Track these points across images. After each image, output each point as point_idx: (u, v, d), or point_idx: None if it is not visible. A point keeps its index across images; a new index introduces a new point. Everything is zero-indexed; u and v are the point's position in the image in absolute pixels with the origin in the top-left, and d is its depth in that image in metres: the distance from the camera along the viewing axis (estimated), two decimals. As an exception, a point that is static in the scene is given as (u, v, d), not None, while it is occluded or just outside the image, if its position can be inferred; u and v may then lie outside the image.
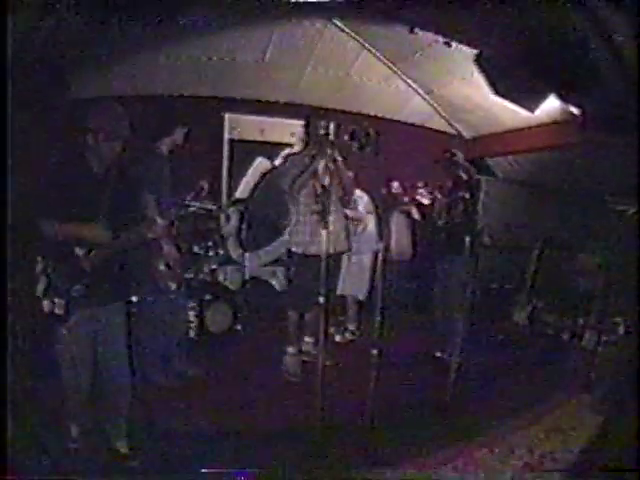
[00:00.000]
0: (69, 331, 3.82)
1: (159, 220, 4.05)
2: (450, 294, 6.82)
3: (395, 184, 7.99)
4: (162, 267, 5.33)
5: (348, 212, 6.48)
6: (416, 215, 8.15)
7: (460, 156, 6.75)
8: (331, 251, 5.40)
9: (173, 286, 5.48)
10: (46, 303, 3.70)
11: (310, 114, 6.34)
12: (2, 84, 3.09)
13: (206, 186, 6.11)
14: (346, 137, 5.52)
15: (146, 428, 4.62)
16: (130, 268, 5.58)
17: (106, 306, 4.01)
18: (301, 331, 6.35)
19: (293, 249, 6.12)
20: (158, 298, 5.52)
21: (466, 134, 9.72)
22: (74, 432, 4.17)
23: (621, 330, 5.99)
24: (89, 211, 3.80)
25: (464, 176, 6.69)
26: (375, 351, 4.95)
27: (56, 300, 3.70)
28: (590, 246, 7.38)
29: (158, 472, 4.11)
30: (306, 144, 6.10)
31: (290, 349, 6.25)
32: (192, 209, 5.46)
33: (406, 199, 8.06)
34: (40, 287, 3.71)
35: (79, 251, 3.79)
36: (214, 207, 6.43)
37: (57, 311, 3.72)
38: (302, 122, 6.28)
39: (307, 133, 6.10)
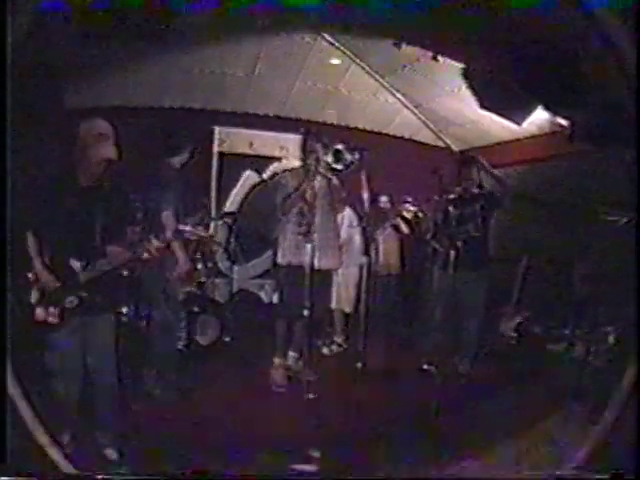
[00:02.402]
0: (61, 340, 3.85)
1: (154, 241, 4.04)
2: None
3: (383, 198, 8.02)
4: (174, 278, 5.37)
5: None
6: (405, 230, 8.20)
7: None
8: (319, 267, 5.49)
9: (181, 297, 5.50)
10: (39, 311, 3.72)
11: (306, 130, 6.36)
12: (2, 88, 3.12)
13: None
14: (330, 158, 5.55)
15: (135, 436, 4.62)
16: (139, 278, 5.71)
17: (97, 316, 4.03)
18: (287, 344, 6.36)
19: (279, 261, 6.14)
20: (161, 309, 5.55)
21: (455, 147, 9.77)
22: (65, 439, 4.19)
23: (611, 339, 6.01)
24: (76, 225, 3.84)
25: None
26: (360, 364, 4.98)
27: (50, 309, 3.73)
28: (580, 257, 7.41)
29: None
30: (301, 160, 6.11)
31: (276, 360, 6.25)
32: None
33: (394, 214, 8.11)
34: (34, 295, 3.74)
35: (75, 264, 3.82)
36: (205, 234, 6.41)
37: (50, 320, 3.74)
38: (296, 136, 6.32)
39: (303, 149, 6.11)
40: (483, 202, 6.58)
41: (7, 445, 3.13)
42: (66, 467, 3.33)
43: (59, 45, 4.02)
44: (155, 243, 4.00)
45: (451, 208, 6.76)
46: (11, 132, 2.94)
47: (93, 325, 4.04)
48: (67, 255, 3.83)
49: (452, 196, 6.80)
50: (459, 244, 6.36)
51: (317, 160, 5.70)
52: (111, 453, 4.29)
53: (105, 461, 4.26)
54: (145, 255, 3.99)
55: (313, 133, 6.10)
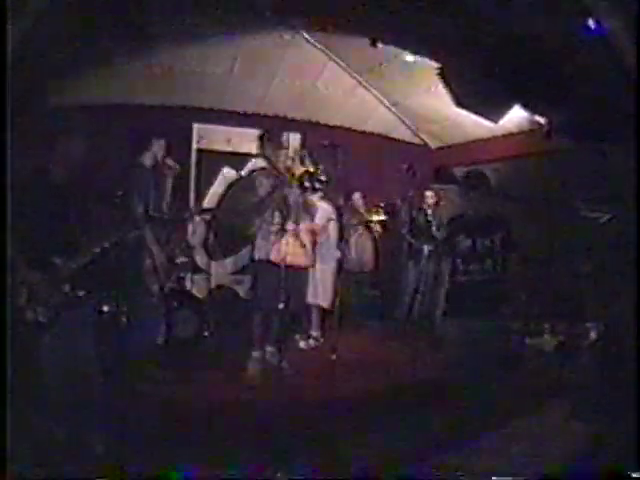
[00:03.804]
0: (51, 338, 3.91)
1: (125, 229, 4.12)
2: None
3: (356, 196, 8.09)
4: (149, 271, 5.42)
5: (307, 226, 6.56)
6: (377, 229, 8.31)
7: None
8: (292, 263, 5.59)
9: (156, 289, 5.54)
10: (29, 312, 3.78)
11: (267, 129, 6.46)
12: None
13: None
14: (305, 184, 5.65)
15: (120, 429, 4.66)
16: (116, 273, 5.76)
17: (79, 311, 4.09)
18: (265, 339, 6.44)
19: (256, 257, 6.23)
20: (140, 303, 5.61)
21: (432, 144, 9.85)
22: (60, 437, 4.25)
23: (593, 335, 6.08)
24: (49, 222, 3.89)
25: None
26: (334, 357, 5.04)
27: (38, 309, 3.78)
28: (561, 253, 7.46)
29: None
30: (266, 158, 6.20)
31: (255, 354, 6.35)
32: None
33: (367, 214, 8.21)
34: (23, 297, 3.79)
35: (57, 260, 3.88)
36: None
37: (41, 319, 3.80)
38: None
39: (261, 147, 6.20)
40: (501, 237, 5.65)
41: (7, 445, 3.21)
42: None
43: (40, 42, 4.06)
44: (126, 231, 4.08)
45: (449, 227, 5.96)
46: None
47: (74, 320, 4.12)
48: (48, 252, 3.89)
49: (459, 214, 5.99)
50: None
51: (293, 163, 5.82)
52: (98, 448, 4.36)
53: (91, 456, 4.33)
54: (116, 240, 4.08)
55: (271, 133, 6.22)
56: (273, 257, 5.84)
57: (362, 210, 8.16)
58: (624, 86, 3.86)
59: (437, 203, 8.05)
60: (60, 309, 3.89)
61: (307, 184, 5.73)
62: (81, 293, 4.01)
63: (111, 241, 4.05)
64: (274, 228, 5.82)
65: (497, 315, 7.56)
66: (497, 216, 7.98)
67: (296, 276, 6.05)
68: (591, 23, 3.93)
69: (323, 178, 5.70)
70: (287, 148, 5.72)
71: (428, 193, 8.16)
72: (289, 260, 5.50)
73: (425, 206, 8.15)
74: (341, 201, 7.67)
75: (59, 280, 3.89)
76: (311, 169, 5.67)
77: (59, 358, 4.04)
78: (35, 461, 3.69)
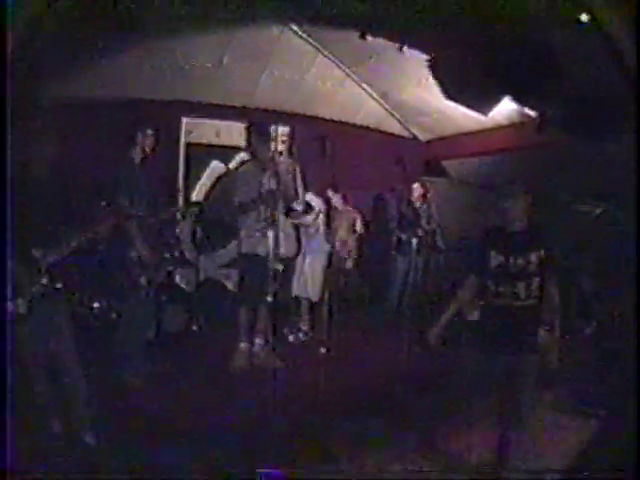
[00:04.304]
0: (29, 329, 3.92)
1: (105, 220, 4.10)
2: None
3: (335, 199, 8.05)
4: (135, 265, 5.39)
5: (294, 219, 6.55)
6: (358, 226, 8.32)
7: None
8: (281, 255, 5.58)
9: (144, 283, 5.51)
10: (9, 304, 3.76)
11: (253, 120, 6.46)
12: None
13: None
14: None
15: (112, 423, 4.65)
16: (105, 268, 5.74)
17: (58, 302, 4.10)
18: (253, 332, 6.44)
19: (243, 250, 6.26)
20: (128, 297, 5.59)
21: (422, 137, 9.84)
22: (56, 428, 4.26)
23: (588, 331, 6.07)
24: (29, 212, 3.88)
25: None
26: (324, 350, 5.03)
27: (19, 300, 3.77)
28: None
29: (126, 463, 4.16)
30: (251, 152, 6.23)
31: (242, 345, 6.38)
32: None
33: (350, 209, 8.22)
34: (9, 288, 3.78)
35: (36, 252, 3.87)
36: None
37: (21, 311, 3.79)
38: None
39: (248, 139, 6.21)
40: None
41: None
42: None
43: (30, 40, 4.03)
44: (106, 221, 4.06)
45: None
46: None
47: (54, 311, 4.12)
48: (29, 245, 3.87)
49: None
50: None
51: (276, 152, 5.80)
52: (88, 438, 4.36)
53: (83, 446, 4.33)
54: (98, 233, 4.06)
55: (258, 124, 6.22)
56: (260, 250, 5.85)
57: (344, 212, 8.13)
58: (618, 81, 3.86)
59: (425, 195, 8.08)
60: (39, 301, 3.89)
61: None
62: (59, 286, 4.02)
63: (92, 235, 4.05)
64: (260, 222, 5.82)
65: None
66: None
67: (288, 267, 6.08)
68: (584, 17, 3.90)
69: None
70: (275, 140, 5.63)
71: (415, 185, 8.18)
72: (281, 251, 5.51)
73: (413, 199, 8.18)
74: (330, 194, 7.69)
75: (38, 272, 3.88)
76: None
77: (37, 350, 4.07)
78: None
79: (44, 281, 3.90)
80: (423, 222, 7.53)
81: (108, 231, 4.14)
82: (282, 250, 5.86)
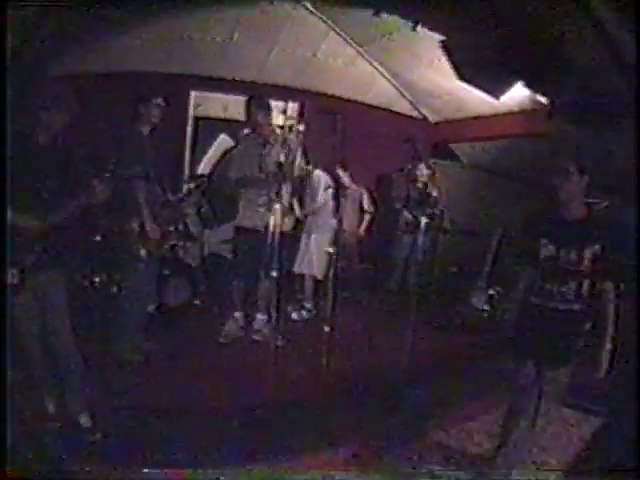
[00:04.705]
0: (23, 301, 3.87)
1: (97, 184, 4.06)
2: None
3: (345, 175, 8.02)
4: (137, 236, 5.37)
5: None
6: (366, 204, 8.32)
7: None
8: (281, 229, 5.60)
9: (143, 255, 5.49)
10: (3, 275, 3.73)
11: (253, 93, 6.45)
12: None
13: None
14: None
15: (107, 402, 4.62)
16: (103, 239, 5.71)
17: (50, 274, 4.06)
18: (255, 307, 6.51)
19: (240, 224, 6.40)
20: (129, 270, 5.57)
21: (432, 118, 9.78)
22: (51, 408, 4.24)
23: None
24: (33, 181, 3.86)
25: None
26: (327, 328, 4.99)
27: (11, 271, 3.73)
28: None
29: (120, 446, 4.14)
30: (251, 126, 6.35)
31: (237, 314, 6.51)
32: None
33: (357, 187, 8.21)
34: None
35: (30, 219, 3.83)
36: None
37: (14, 281, 3.74)
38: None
39: (247, 112, 6.27)
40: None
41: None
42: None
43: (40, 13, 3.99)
44: (99, 186, 4.02)
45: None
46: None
47: (48, 284, 4.09)
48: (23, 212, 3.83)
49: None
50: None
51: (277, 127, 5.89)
52: (84, 420, 4.34)
53: (79, 429, 4.31)
54: (91, 200, 4.03)
55: (257, 96, 6.30)
56: (258, 224, 5.97)
57: (349, 185, 8.10)
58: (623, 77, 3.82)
59: (432, 176, 8.05)
60: (32, 272, 3.86)
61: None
62: (53, 253, 3.99)
63: (88, 198, 4.02)
64: (262, 196, 5.94)
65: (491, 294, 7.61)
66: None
67: (287, 242, 6.09)
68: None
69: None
70: (283, 113, 5.63)
71: (421, 166, 8.16)
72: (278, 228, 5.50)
73: (420, 180, 8.16)
74: (339, 170, 7.67)
75: (31, 241, 3.85)
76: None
77: (31, 324, 4.04)
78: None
79: (37, 249, 3.86)
80: (430, 202, 7.50)
81: (105, 195, 4.09)
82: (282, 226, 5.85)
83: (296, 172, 6.12)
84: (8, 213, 3.54)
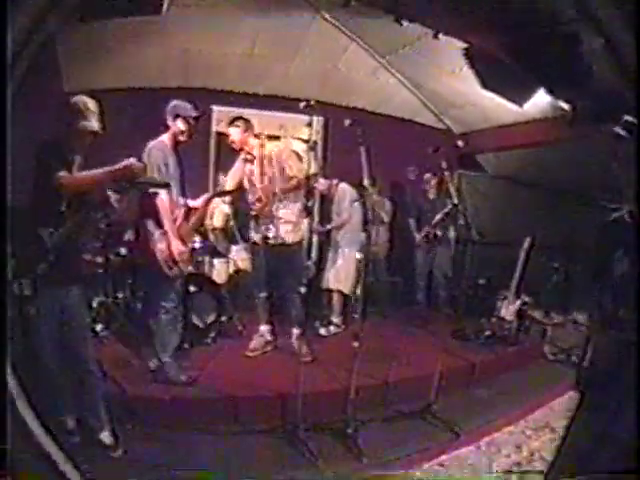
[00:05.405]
0: (37, 311, 3.82)
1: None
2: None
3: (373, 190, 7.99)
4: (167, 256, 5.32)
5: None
6: (385, 218, 8.27)
7: None
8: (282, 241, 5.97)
9: (177, 274, 5.44)
10: (15, 286, 3.67)
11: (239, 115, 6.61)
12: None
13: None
14: None
15: (129, 418, 4.57)
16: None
17: (68, 288, 4.03)
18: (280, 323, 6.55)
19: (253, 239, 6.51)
20: (158, 288, 5.52)
21: (455, 129, 9.70)
22: (70, 424, 4.18)
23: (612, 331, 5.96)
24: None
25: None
26: (356, 344, 4.91)
27: (23, 281, 3.68)
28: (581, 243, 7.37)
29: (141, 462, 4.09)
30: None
31: (262, 328, 6.51)
32: None
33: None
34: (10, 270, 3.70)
35: (43, 231, 3.79)
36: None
37: (25, 292, 3.70)
38: (295, 116, 6.40)
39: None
40: None
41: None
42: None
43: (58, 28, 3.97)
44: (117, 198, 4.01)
45: None
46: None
47: (67, 299, 4.06)
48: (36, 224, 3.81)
49: None
50: None
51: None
52: (106, 437, 4.27)
53: (101, 446, 4.24)
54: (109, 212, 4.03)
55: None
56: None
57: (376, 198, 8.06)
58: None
59: (440, 186, 8.07)
60: (46, 283, 3.81)
61: None
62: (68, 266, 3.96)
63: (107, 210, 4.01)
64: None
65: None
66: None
67: (285, 256, 6.21)
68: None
69: None
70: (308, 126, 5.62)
71: (427, 176, 8.23)
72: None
73: (431, 191, 8.20)
74: (365, 182, 7.61)
75: (44, 251, 3.80)
76: None
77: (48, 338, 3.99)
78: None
79: (50, 258, 3.81)
80: (455, 214, 7.44)
81: (123, 208, 4.07)
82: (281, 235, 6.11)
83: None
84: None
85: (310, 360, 5.84)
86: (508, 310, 7.51)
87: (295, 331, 6.37)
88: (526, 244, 7.51)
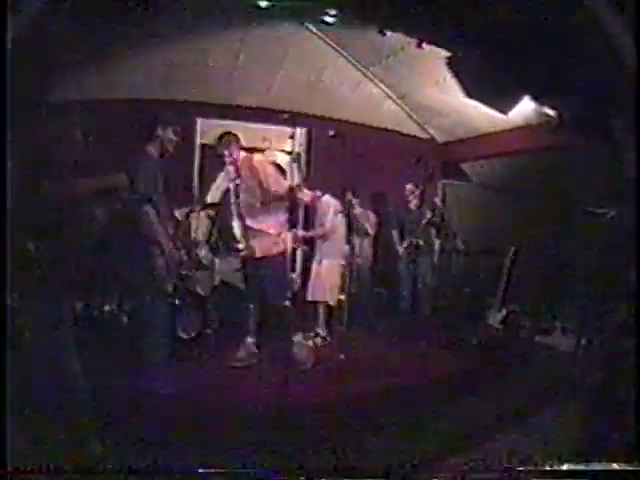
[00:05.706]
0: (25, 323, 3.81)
1: None
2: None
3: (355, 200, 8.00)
4: (161, 269, 5.30)
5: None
6: (370, 230, 8.25)
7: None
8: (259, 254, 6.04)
9: (169, 289, 5.43)
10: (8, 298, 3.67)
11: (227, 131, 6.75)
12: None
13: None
14: None
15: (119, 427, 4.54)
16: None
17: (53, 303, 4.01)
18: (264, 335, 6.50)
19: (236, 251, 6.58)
20: (147, 301, 5.50)
21: (439, 138, 9.72)
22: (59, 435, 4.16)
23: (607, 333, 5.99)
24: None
25: None
26: (343, 356, 4.92)
27: (13, 294, 3.67)
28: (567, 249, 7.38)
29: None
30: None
31: (248, 339, 6.52)
32: None
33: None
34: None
35: (30, 245, 3.78)
36: None
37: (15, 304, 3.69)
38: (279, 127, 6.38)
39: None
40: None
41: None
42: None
43: (39, 39, 3.96)
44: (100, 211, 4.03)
45: None
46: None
47: (52, 312, 4.02)
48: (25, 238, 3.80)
49: None
50: None
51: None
52: (94, 445, 4.24)
53: (89, 453, 4.21)
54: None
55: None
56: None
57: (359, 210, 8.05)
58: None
59: (421, 196, 8.09)
60: (34, 295, 3.79)
61: None
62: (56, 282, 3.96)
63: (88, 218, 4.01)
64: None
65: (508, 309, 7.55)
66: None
67: (268, 268, 6.26)
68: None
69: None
70: (291, 138, 5.65)
71: (408, 187, 8.20)
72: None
73: (414, 201, 8.19)
74: (349, 194, 7.62)
75: (32, 264, 3.81)
76: None
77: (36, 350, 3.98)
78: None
79: (37, 273, 3.81)
80: (439, 224, 7.47)
81: (106, 220, 4.08)
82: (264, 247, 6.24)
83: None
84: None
85: (307, 368, 5.91)
86: (495, 318, 7.53)
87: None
88: (511, 252, 7.54)
